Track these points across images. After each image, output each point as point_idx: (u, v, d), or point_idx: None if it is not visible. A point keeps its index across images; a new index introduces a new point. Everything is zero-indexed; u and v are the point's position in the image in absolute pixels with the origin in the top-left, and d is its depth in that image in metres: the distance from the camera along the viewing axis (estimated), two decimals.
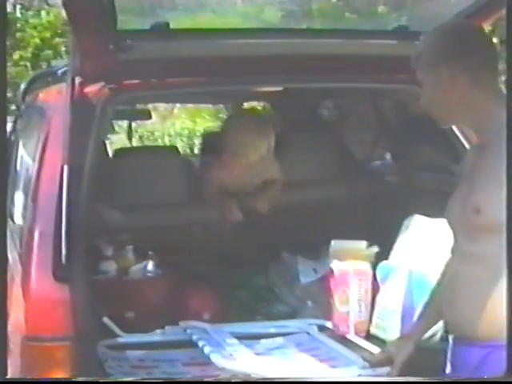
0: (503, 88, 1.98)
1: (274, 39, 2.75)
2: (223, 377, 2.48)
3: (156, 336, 2.91)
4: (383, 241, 3.14)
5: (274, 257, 3.45)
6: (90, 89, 2.64)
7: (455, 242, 2.14)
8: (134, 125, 14.01)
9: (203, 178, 3.48)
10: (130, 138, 7.21)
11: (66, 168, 2.28)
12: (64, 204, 2.25)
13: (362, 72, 2.87)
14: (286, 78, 2.83)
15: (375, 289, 3.02)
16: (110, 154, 4.03)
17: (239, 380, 2.43)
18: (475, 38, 2.06)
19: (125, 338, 2.86)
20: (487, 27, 2.70)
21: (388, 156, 3.87)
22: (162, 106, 13.07)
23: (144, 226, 3.27)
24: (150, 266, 3.18)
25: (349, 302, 2.98)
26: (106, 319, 2.90)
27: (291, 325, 3.10)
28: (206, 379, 2.53)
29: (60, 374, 1.98)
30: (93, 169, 2.49)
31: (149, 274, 3.17)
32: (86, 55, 2.47)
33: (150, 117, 6.36)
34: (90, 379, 2.00)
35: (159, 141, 13.69)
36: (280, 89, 3.32)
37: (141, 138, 13.90)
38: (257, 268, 3.41)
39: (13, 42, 13.89)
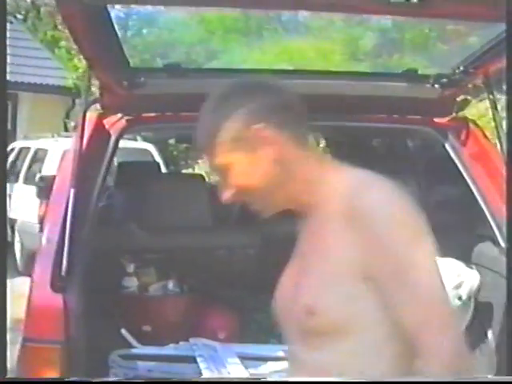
0: None
1: (283, 79, 2.86)
2: (223, 377, 2.63)
3: (168, 350, 3.11)
4: None
5: None
6: (108, 119, 2.92)
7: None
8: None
9: None
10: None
11: (72, 191, 2.51)
12: (68, 223, 2.47)
13: (373, 112, 3.03)
14: None
15: None
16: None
17: (239, 380, 2.54)
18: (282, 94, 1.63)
19: (138, 350, 3.08)
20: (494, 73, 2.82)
21: (415, 193, 3.97)
22: None
23: (168, 247, 3.46)
24: (171, 284, 3.39)
25: None
26: (123, 331, 3.14)
27: None
28: (206, 379, 2.68)
29: (49, 374, 2.24)
30: (101, 192, 2.73)
31: (169, 292, 3.36)
32: (102, 88, 2.73)
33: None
34: (90, 379, 2.11)
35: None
36: None
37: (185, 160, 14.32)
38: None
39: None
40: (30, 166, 10.32)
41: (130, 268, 3.36)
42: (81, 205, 2.54)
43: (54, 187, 2.69)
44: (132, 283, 3.35)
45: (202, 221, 3.49)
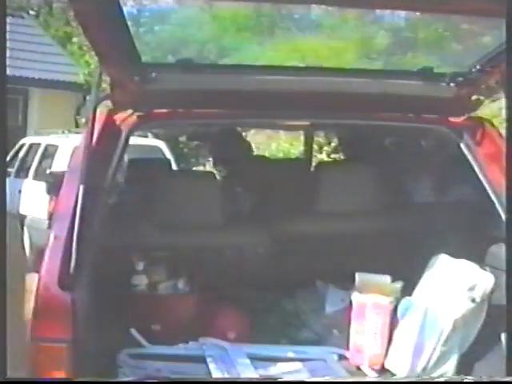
0: None
1: (296, 76, 2.94)
2: (223, 377, 2.62)
3: (177, 349, 3.11)
4: (410, 276, 3.24)
5: (304, 283, 3.59)
6: (119, 115, 2.91)
7: None
8: None
9: None
10: None
11: (81, 187, 2.50)
12: (77, 220, 2.46)
13: (387, 111, 3.02)
14: (311, 114, 3.02)
15: (393, 323, 3.13)
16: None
17: (239, 380, 2.57)
18: None
19: (147, 349, 3.08)
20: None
21: (429, 193, 3.97)
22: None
23: (178, 245, 3.46)
24: (181, 283, 3.37)
25: (364, 334, 3.11)
26: (133, 330, 3.13)
27: (311, 351, 3.24)
28: (205, 379, 2.67)
29: (57, 373, 2.23)
30: (111, 189, 2.75)
31: (178, 291, 3.35)
32: (113, 84, 2.72)
33: None
34: (90, 379, 2.16)
35: None
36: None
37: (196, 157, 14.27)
38: (286, 293, 3.56)
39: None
40: (40, 162, 10.34)
41: (140, 266, 3.34)
42: (90, 201, 2.54)
43: (64, 183, 2.68)
44: (141, 281, 3.33)
45: (212, 219, 3.49)
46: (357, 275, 3.28)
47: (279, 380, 2.59)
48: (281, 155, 12.80)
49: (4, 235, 2.23)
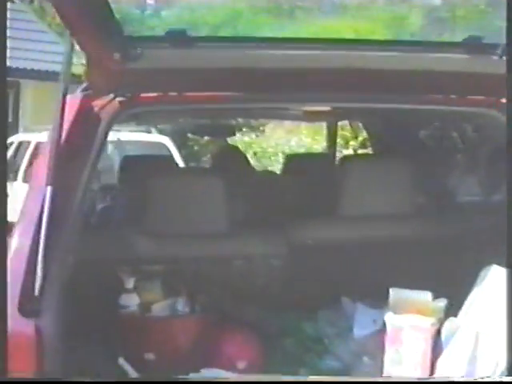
0: None
1: (315, 51, 2.77)
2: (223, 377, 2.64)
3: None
4: (456, 293, 3.08)
5: (328, 301, 3.45)
6: (97, 102, 2.75)
7: None
8: (246, 139, 14.81)
9: None
10: None
11: (49, 190, 2.34)
12: (43, 229, 2.30)
13: (425, 92, 2.88)
14: (333, 97, 2.87)
15: (437, 351, 2.97)
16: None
17: (239, 380, 2.61)
18: None
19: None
20: None
21: (477, 192, 3.83)
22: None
23: (176, 256, 3.34)
24: (179, 303, 3.24)
25: (401, 364, 2.96)
26: (121, 360, 2.98)
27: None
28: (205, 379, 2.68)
29: None
30: (87, 193, 2.58)
31: (177, 313, 3.22)
32: (89, 62, 2.58)
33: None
34: (90, 379, 2.18)
35: (272, 159, 14.13)
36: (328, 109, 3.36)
37: (255, 154, 14.43)
38: (305, 313, 3.42)
39: None
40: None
41: (130, 283, 3.21)
42: (60, 206, 2.39)
43: (29, 186, 2.57)
44: (132, 301, 3.20)
45: (217, 225, 3.36)
46: (391, 291, 3.15)
47: (279, 380, 2.55)
48: (302, 151, 12.86)
49: (4, 235, 2.17)
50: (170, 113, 3.62)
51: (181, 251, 3.35)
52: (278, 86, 2.81)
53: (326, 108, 3.47)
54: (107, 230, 3.27)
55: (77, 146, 2.59)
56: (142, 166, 4.38)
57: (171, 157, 6.57)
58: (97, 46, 2.51)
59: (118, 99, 2.79)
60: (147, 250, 3.30)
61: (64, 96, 2.50)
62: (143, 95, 2.87)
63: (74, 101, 2.71)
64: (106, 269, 3.13)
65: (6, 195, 2.20)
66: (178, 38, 2.66)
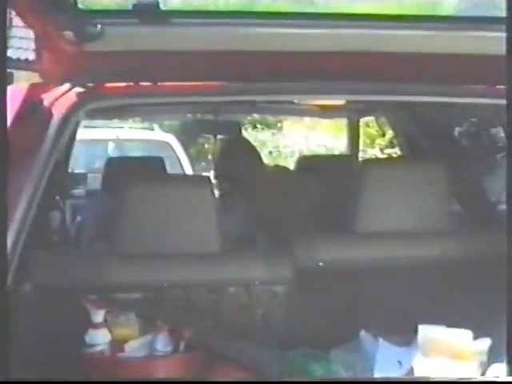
0: None
1: (329, 29, 2.61)
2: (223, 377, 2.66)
3: None
4: (501, 331, 2.82)
5: (342, 336, 3.28)
6: (49, 93, 2.57)
7: None
8: (262, 137, 14.90)
9: None
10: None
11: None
12: None
13: (460, 82, 2.73)
14: (351, 89, 2.71)
15: None
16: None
17: (239, 380, 2.66)
18: None
19: None
20: None
21: None
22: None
23: (156, 282, 3.18)
24: (160, 340, 3.05)
25: None
26: None
27: None
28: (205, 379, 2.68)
29: None
30: (43, 203, 2.42)
31: (156, 353, 3.04)
32: (37, 43, 2.48)
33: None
34: (90, 379, 2.25)
35: (289, 159, 14.30)
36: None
37: (270, 153, 14.58)
38: (315, 352, 3.26)
39: None
40: None
41: (99, 316, 3.01)
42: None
43: None
44: (101, 339, 3.02)
45: (207, 244, 3.22)
46: (420, 328, 3.00)
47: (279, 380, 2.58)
48: (322, 151, 12.80)
49: (4, 235, 2.15)
50: (145, 107, 3.38)
51: (162, 276, 3.19)
52: (278, 74, 2.63)
53: (339, 102, 3.25)
54: (72, 250, 3.01)
55: (20, 150, 2.37)
56: (123, 171, 4.27)
57: (161, 159, 6.48)
58: (43, 21, 2.30)
59: (74, 90, 2.57)
60: (120, 275, 3.14)
61: (3, 86, 2.25)
62: (108, 85, 2.65)
63: (17, 92, 2.52)
64: (70, 298, 2.96)
65: (5, 196, 2.13)
66: (148, 11, 2.41)
